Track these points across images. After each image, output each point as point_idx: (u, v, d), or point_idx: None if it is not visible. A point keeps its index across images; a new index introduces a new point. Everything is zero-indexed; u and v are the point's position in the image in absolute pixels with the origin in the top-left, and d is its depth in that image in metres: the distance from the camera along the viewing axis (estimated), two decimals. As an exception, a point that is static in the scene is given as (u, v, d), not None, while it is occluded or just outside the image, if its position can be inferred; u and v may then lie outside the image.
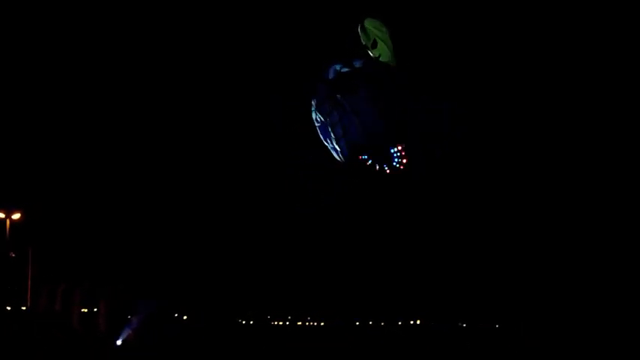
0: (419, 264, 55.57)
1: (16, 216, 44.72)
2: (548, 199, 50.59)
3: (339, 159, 18.17)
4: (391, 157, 17.35)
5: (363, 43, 17.30)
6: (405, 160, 17.10)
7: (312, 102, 17.93)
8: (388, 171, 16.99)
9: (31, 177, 52.90)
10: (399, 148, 17.40)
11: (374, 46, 17.68)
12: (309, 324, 67.73)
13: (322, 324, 66.15)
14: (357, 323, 64.65)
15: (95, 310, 39.14)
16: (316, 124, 18.08)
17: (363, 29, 17.42)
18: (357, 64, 17.31)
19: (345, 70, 17.55)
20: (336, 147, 17.76)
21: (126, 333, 35.57)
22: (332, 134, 18.19)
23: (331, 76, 17.90)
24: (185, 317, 58.04)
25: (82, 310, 39.21)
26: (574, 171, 49.48)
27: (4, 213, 44.47)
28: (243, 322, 66.58)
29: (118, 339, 35.23)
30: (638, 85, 44.87)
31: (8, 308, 44.98)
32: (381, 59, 17.59)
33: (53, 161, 54.36)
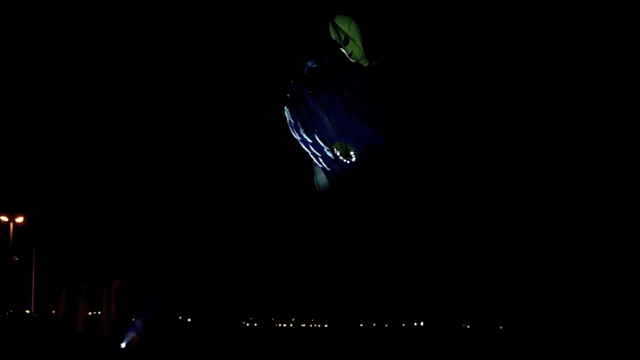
0: (423, 265, 55.43)
1: (20, 219, 44.75)
2: (548, 199, 50.46)
3: (311, 155, 17.96)
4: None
5: (334, 39, 17.14)
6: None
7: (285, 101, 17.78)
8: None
9: (34, 180, 52.96)
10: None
11: (346, 42, 17.48)
12: (314, 326, 67.67)
13: (326, 326, 66.10)
14: (361, 325, 64.61)
15: (99, 313, 39.13)
16: (289, 123, 17.91)
17: (335, 26, 17.20)
18: (327, 60, 17.16)
19: (314, 66, 17.40)
20: (307, 139, 17.56)
21: (130, 336, 35.51)
22: (302, 129, 17.96)
23: (305, 72, 17.76)
24: (189, 320, 58.00)
25: (87, 313, 39.20)
26: (571, 171, 49.35)
27: (7, 216, 44.51)
28: (247, 324, 66.55)
29: (122, 342, 35.18)
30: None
31: (12, 312, 45.03)
32: (353, 56, 17.38)
33: (56, 164, 54.40)
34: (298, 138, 17.59)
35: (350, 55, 17.36)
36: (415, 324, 64.75)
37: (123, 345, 35.24)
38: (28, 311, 44.13)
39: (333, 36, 17.20)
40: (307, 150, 17.91)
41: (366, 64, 17.21)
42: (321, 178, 18.36)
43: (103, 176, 54.59)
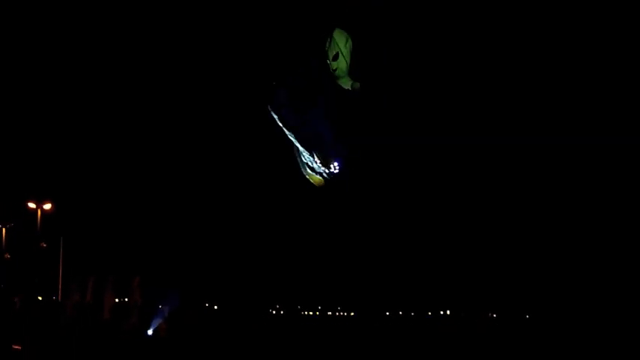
0: (449, 257, 55.33)
1: (48, 206, 44.88)
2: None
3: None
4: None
5: (326, 50, 16.86)
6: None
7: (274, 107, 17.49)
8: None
9: (62, 167, 53.24)
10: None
11: (335, 58, 17.19)
12: (340, 314, 67.64)
13: (352, 314, 66.06)
14: (387, 313, 64.52)
15: (126, 300, 39.26)
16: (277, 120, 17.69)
17: (330, 39, 16.89)
18: (301, 71, 16.90)
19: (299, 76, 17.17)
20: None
21: (157, 323, 35.56)
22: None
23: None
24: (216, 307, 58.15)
25: (114, 300, 39.33)
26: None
27: (36, 203, 44.67)
28: (274, 312, 66.65)
29: (149, 329, 35.23)
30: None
31: (39, 298, 45.28)
32: (337, 73, 17.12)
33: (84, 152, 54.68)
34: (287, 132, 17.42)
35: (334, 70, 17.10)
36: (442, 312, 64.56)
37: (150, 332, 35.30)
38: (55, 298, 44.34)
39: (327, 48, 16.85)
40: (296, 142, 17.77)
41: (346, 84, 16.97)
42: (307, 172, 18.18)
43: (130, 164, 54.80)
